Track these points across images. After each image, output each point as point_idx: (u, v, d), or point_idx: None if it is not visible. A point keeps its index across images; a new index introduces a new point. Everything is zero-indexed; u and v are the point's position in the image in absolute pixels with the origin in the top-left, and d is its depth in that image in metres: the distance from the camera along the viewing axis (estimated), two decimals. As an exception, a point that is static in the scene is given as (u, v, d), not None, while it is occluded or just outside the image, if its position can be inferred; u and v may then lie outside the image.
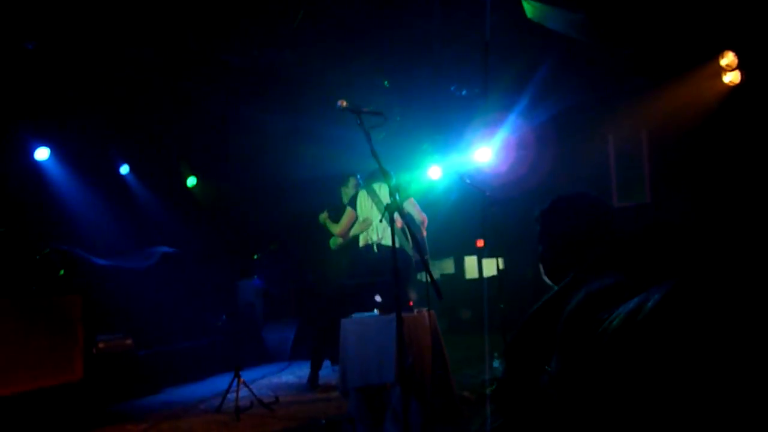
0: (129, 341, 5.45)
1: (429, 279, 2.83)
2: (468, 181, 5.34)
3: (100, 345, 5.22)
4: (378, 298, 3.89)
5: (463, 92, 6.85)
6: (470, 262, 9.32)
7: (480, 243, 9.10)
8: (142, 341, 5.72)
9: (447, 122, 7.59)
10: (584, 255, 1.55)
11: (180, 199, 7.57)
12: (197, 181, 7.79)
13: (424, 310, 3.91)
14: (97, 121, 6.18)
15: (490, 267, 8.66)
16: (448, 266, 9.43)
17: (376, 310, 3.84)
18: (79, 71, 5.32)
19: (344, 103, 3.09)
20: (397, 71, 6.49)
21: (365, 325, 3.67)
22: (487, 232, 8.04)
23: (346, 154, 6.74)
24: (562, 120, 7.07)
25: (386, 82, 6.64)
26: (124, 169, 7.07)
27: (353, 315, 3.84)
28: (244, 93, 6.41)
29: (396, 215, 5.23)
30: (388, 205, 2.89)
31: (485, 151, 7.68)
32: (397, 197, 2.89)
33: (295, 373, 5.95)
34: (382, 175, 2.92)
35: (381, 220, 2.96)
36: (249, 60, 5.73)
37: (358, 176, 5.32)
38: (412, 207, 4.82)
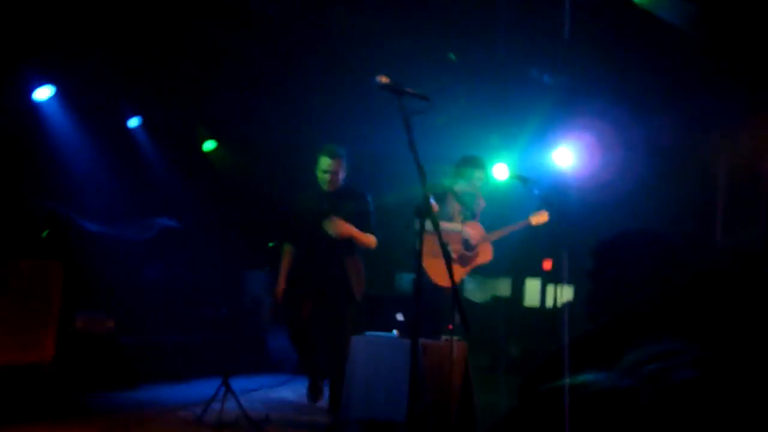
0: (111, 323, 5.71)
1: (455, 303, 2.89)
2: (535, 190, 5.37)
3: (78, 323, 5.49)
4: (400, 317, 3.96)
5: (545, 78, 6.82)
6: (532, 286, 9.26)
7: (547, 265, 9.02)
8: (126, 326, 5.98)
9: (522, 112, 7.56)
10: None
11: (193, 164, 7.81)
12: (216, 146, 8.02)
13: (454, 339, 3.97)
14: (110, 62, 6.43)
15: (558, 295, 8.60)
16: (503, 287, 9.41)
17: (395, 331, 3.92)
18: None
19: (385, 79, 3.16)
20: (467, 44, 6.51)
21: (378, 346, 3.76)
22: (559, 252, 7.98)
23: (398, 136, 6.81)
24: (664, 125, 6.94)
25: (452, 55, 6.67)
26: (134, 122, 7.35)
27: (366, 333, 3.94)
28: (282, 51, 6.57)
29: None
30: (418, 208, 2.95)
31: (566, 153, 7.62)
32: (431, 199, 2.94)
33: (297, 391, 6.09)
34: (419, 174, 2.98)
35: (407, 227, 3.02)
36: (292, 12, 5.86)
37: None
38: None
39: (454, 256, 5.64)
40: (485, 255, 5.96)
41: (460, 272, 5.70)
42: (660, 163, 7.10)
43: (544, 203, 5.55)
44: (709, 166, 6.95)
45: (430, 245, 5.49)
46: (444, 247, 2.91)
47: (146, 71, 6.70)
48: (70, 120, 6.59)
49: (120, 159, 7.04)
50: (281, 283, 4.98)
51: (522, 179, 5.52)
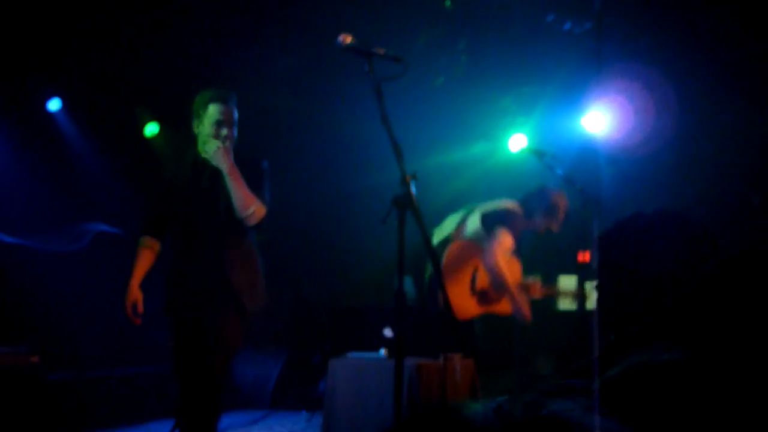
0: (35, 358, 5.72)
1: (445, 309, 2.91)
2: (558, 169, 5.41)
3: (-6, 360, 5.50)
4: (388, 333, 3.98)
5: (567, 26, 6.82)
6: (567, 284, 9.28)
7: (584, 256, 9.01)
8: (55, 360, 5.99)
9: (540, 69, 7.57)
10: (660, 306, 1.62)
11: (132, 154, 7.81)
12: (159, 130, 8.03)
13: (456, 356, 4.00)
14: (19, 33, 6.44)
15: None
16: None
17: (382, 350, 3.94)
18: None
19: (348, 39, 3.18)
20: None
21: (361, 369, 3.79)
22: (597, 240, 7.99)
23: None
24: (719, 77, 6.94)
25: (448, 2, 6.68)
26: (54, 105, 7.35)
27: (349, 353, 3.96)
28: (236, 13, 6.60)
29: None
30: (396, 197, 2.97)
31: (598, 117, 7.64)
32: (413, 188, 2.96)
33: (273, 429, 6.13)
34: (394, 153, 3.00)
35: (384, 221, 3.01)
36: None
37: None
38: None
39: (480, 285, 5.67)
40: (505, 306, 5.94)
41: (473, 309, 5.68)
42: (713, 134, 7.11)
43: (567, 183, 5.57)
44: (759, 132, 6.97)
45: (458, 256, 5.53)
46: (428, 241, 2.92)
47: (66, 40, 6.71)
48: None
49: (39, 152, 7.03)
50: (131, 294, 4.31)
51: (538, 153, 5.54)
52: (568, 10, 6.88)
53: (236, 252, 4.17)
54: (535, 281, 5.86)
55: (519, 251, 5.84)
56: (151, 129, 8.02)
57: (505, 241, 5.42)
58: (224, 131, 4.09)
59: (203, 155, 4.13)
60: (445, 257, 5.38)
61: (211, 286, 4.08)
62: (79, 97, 7.38)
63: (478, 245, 5.48)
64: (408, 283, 7.88)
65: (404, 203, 2.97)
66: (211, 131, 4.10)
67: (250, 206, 4.11)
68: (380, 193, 3.19)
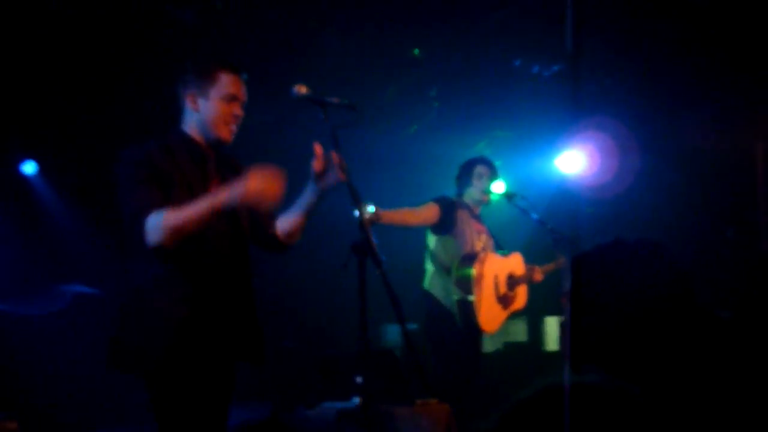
0: (13, 425, 5.64)
1: (411, 352, 2.89)
2: (533, 214, 5.43)
3: (-30, 428, 5.42)
4: (359, 380, 3.94)
5: (535, 69, 6.90)
6: (552, 326, 9.26)
7: (564, 299, 9.03)
8: (34, 425, 5.91)
9: (513, 112, 7.64)
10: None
11: (110, 214, 7.80)
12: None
13: (431, 402, 3.97)
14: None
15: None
16: (517, 330, 9.40)
17: (355, 398, 3.90)
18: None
19: (303, 90, 3.21)
20: (433, 35, 6.60)
21: (326, 423, 3.75)
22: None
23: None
24: (687, 115, 7.02)
25: (416, 51, 6.75)
26: (29, 168, 7.35)
27: (323, 404, 3.92)
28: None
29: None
30: (354, 244, 2.98)
31: (573, 158, 7.69)
32: (371, 236, 2.96)
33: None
34: (352, 199, 3.01)
35: (344, 268, 2.98)
36: (209, 15, 5.94)
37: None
38: None
39: (501, 290, 5.67)
40: (521, 299, 5.92)
41: (500, 317, 5.69)
42: (686, 167, 7.18)
43: (538, 224, 5.60)
44: (744, 165, 7.04)
45: (488, 273, 5.54)
46: (390, 288, 2.92)
47: (40, 102, 6.74)
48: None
49: (14, 215, 7.02)
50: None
51: (508, 195, 5.57)
52: (537, 54, 6.96)
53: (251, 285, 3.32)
54: (534, 266, 5.80)
55: (498, 243, 5.79)
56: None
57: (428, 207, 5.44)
58: (237, 111, 3.25)
59: (208, 138, 3.25)
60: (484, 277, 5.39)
61: (239, 325, 3.20)
62: (54, 159, 7.38)
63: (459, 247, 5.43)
64: (391, 329, 7.87)
65: (363, 250, 2.98)
66: (221, 109, 3.21)
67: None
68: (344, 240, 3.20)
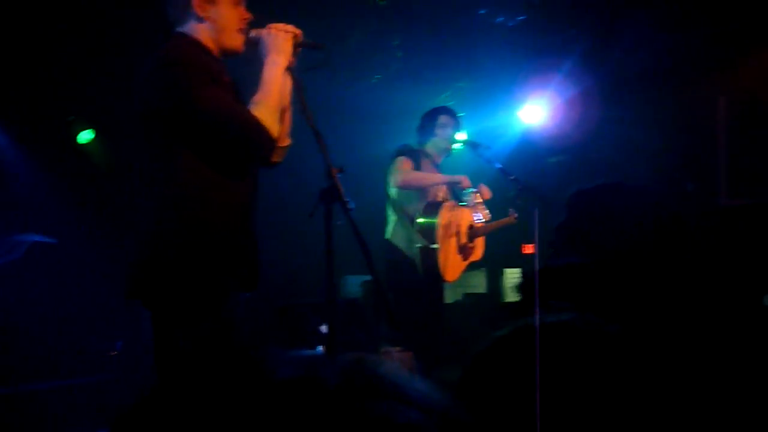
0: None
1: (380, 297, 2.87)
2: (497, 163, 5.41)
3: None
4: (324, 329, 3.94)
5: (499, 19, 6.86)
6: (512, 277, 9.33)
7: (528, 248, 9.08)
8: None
9: (477, 62, 7.60)
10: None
11: (66, 161, 7.66)
12: (95, 136, 7.88)
13: (395, 350, 3.97)
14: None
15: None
16: (476, 282, 9.46)
17: (320, 347, 3.90)
18: None
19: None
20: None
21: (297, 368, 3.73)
22: (541, 232, 8.06)
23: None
24: (649, 67, 7.03)
25: (381, -1, 6.66)
26: (-18, 114, 7.18)
27: (288, 352, 3.89)
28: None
29: None
30: (322, 191, 2.92)
31: (535, 110, 7.72)
32: (339, 182, 2.90)
33: None
34: (318, 144, 2.94)
35: (311, 215, 2.93)
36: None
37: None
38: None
39: (461, 240, 5.67)
40: (479, 251, 5.95)
41: (460, 266, 5.70)
42: (647, 119, 7.22)
43: (502, 174, 5.58)
44: (706, 110, 7.09)
45: (449, 222, 5.48)
46: (359, 235, 2.88)
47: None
48: None
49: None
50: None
51: (472, 145, 5.55)
52: (501, 3, 6.90)
53: None
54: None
55: (456, 193, 5.77)
56: (86, 136, 7.86)
57: (404, 163, 5.37)
58: (246, 14, 3.02)
59: (225, 47, 3.00)
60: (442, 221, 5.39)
61: (249, 254, 3.04)
62: (8, 107, 7.20)
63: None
64: (352, 281, 7.87)
65: (331, 197, 2.92)
66: (232, 13, 2.97)
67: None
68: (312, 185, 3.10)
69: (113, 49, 6.85)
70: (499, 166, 5.57)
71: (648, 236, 1.70)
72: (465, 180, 5.49)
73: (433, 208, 5.35)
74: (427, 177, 5.42)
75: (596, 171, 7.05)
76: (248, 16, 3.01)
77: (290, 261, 7.53)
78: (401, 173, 5.30)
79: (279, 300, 6.22)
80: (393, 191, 5.44)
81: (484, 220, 5.60)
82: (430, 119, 5.62)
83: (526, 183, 5.57)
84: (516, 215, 5.88)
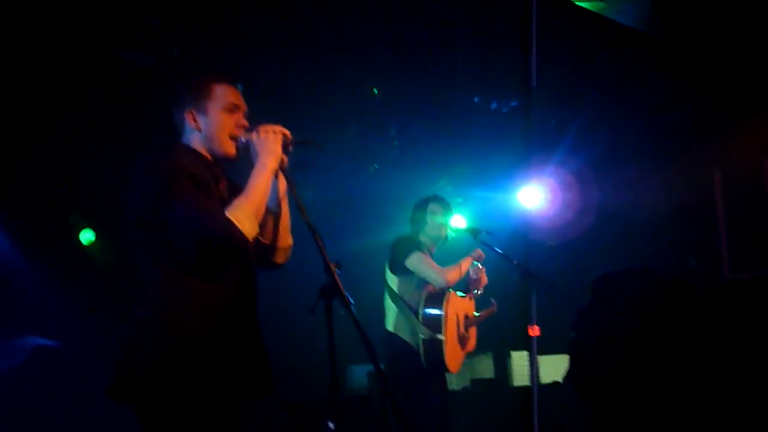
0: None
1: (388, 400, 2.82)
2: (484, 239, 5.39)
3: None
4: (332, 425, 3.85)
5: (493, 105, 6.95)
6: (519, 360, 9.23)
7: (534, 331, 9.01)
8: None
9: (474, 147, 7.67)
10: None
11: (67, 263, 7.67)
12: (95, 238, 7.90)
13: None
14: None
15: (552, 369, 8.56)
16: (483, 368, 9.36)
17: (327, 445, 3.80)
18: None
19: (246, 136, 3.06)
20: (392, 74, 6.62)
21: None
22: (546, 315, 8.01)
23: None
24: (644, 148, 7.10)
25: (375, 90, 6.76)
26: (-19, 217, 7.22)
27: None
28: (164, 106, 6.56)
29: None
30: (323, 286, 2.90)
31: (532, 192, 7.73)
32: (338, 278, 2.88)
33: None
34: (314, 241, 2.93)
35: (313, 311, 2.91)
36: (163, 59, 5.89)
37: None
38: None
39: (461, 330, 5.63)
40: (473, 340, 5.90)
41: (460, 357, 5.65)
42: (647, 199, 7.25)
43: (504, 259, 5.56)
44: (703, 186, 7.12)
45: (453, 313, 5.44)
46: (362, 331, 2.85)
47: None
48: None
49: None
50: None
51: (473, 232, 5.54)
52: (495, 90, 7.02)
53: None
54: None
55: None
56: (87, 236, 7.89)
57: (426, 258, 5.32)
58: (241, 121, 3.06)
59: (214, 154, 3.05)
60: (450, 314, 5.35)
61: (249, 359, 2.98)
62: (9, 209, 7.25)
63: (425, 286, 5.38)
64: (357, 371, 7.77)
65: (331, 293, 2.90)
66: (222, 122, 3.02)
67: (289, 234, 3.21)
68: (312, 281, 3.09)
69: (115, 150, 6.95)
70: (500, 251, 5.55)
71: (673, 320, 1.68)
72: (478, 251, 5.49)
73: (437, 298, 5.31)
74: (462, 267, 5.40)
75: (598, 253, 7.05)
76: (244, 123, 3.05)
77: (296, 356, 7.45)
78: (439, 272, 5.28)
79: (287, 396, 6.14)
80: (393, 281, 5.40)
81: (479, 291, 5.58)
82: (420, 209, 5.62)
83: (526, 267, 5.55)
84: (496, 305, 5.90)
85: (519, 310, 6.50)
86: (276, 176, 3.07)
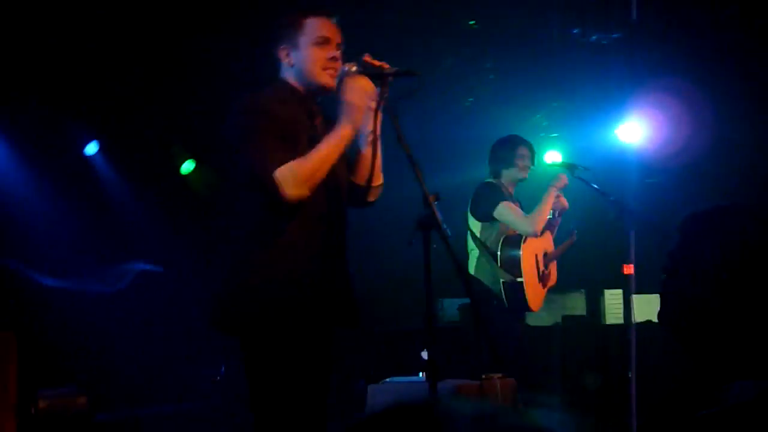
0: (83, 399, 5.74)
1: (481, 333, 2.85)
2: (581, 175, 5.31)
3: (42, 403, 5.54)
4: (425, 355, 3.93)
5: (593, 38, 6.76)
6: (612, 299, 9.14)
7: (628, 269, 8.90)
8: (102, 400, 6.02)
9: (571, 83, 7.51)
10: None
11: (170, 191, 7.89)
12: (195, 167, 8.10)
13: (495, 377, 3.92)
14: (55, 78, 6.57)
15: (645, 308, 8.45)
16: (575, 304, 9.30)
17: (421, 374, 3.89)
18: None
19: (353, 67, 3.05)
20: (488, 5, 6.50)
21: (398, 393, 3.74)
22: (639, 253, 7.90)
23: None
24: (753, 85, 6.82)
25: (473, 22, 6.66)
26: (92, 148, 7.46)
27: (387, 379, 3.91)
28: (264, 44, 6.63)
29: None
30: (419, 218, 2.92)
31: (633, 127, 7.55)
32: (436, 210, 2.89)
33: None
34: (415, 174, 2.93)
35: (410, 243, 2.94)
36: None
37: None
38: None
39: (540, 269, 5.63)
40: (554, 275, 5.90)
41: (541, 294, 5.67)
42: (754, 139, 7.00)
43: (601, 195, 5.48)
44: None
45: (530, 253, 5.48)
46: (459, 264, 2.87)
47: (101, 84, 6.82)
48: (6, 152, 6.70)
49: (78, 195, 7.12)
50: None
51: (570, 167, 5.47)
52: (595, 21, 6.81)
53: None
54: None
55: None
56: (188, 166, 8.09)
57: (513, 208, 5.31)
58: (332, 53, 3.05)
59: (310, 88, 3.07)
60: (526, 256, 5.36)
61: (337, 292, 3.10)
62: (115, 139, 7.48)
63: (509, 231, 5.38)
64: (449, 304, 7.83)
65: (429, 225, 2.91)
66: (315, 55, 3.02)
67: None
68: (407, 213, 3.12)
69: (212, 82, 7.07)
70: (597, 187, 5.47)
71: (764, 263, 1.62)
72: (562, 177, 5.43)
73: (514, 240, 5.30)
74: (545, 208, 5.35)
75: (697, 192, 6.87)
76: (335, 55, 3.05)
77: (389, 287, 7.55)
78: (527, 221, 5.26)
79: (379, 327, 6.26)
80: (475, 226, 5.40)
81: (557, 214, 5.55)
82: (509, 150, 5.52)
83: (624, 204, 5.46)
84: (575, 234, 5.84)
85: (615, 248, 6.43)
86: (374, 113, 3.06)
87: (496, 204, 5.25)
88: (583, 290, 9.13)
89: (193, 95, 7.29)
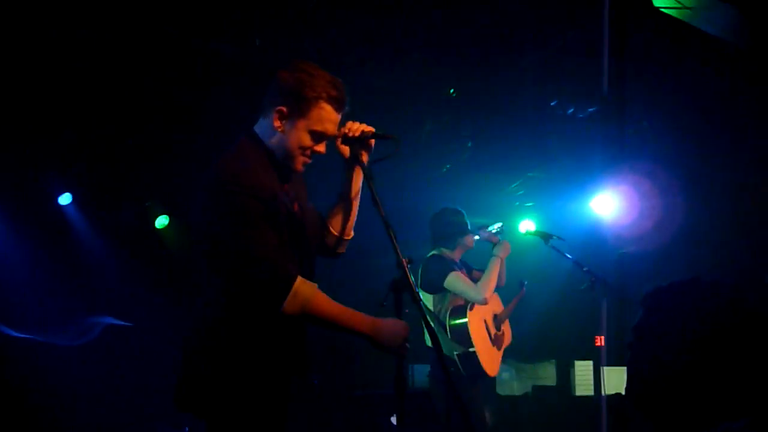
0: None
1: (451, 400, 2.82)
2: (555, 245, 5.35)
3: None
4: (394, 420, 3.88)
5: (570, 110, 6.86)
6: (583, 370, 9.13)
7: (600, 341, 8.90)
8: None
9: (548, 153, 7.59)
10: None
11: (143, 245, 7.83)
12: (169, 222, 8.05)
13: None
14: (31, 129, 6.55)
15: (616, 380, 8.43)
16: (546, 374, 9.29)
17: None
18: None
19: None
20: (469, 75, 6.59)
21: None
22: (611, 325, 7.90)
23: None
24: (725, 157, 6.92)
25: (452, 90, 6.74)
26: (65, 199, 7.40)
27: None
28: (240, 97, 6.66)
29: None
30: (394, 280, 2.90)
31: (606, 200, 7.61)
32: (409, 273, 2.87)
33: None
34: (388, 236, 2.92)
35: (383, 304, 2.92)
36: (247, 50, 5.96)
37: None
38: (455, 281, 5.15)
39: (492, 332, 5.67)
40: (509, 334, 5.92)
41: (498, 358, 5.67)
42: (725, 208, 7.07)
43: (574, 265, 5.51)
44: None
45: (479, 320, 5.51)
46: (429, 326, 2.85)
47: (77, 136, 6.80)
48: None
49: (49, 246, 7.05)
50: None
51: (544, 236, 5.51)
52: (572, 94, 6.93)
53: None
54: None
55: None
56: (162, 221, 8.05)
57: (462, 277, 5.34)
58: (320, 150, 2.97)
59: (280, 159, 2.95)
60: (474, 322, 5.36)
61: (299, 354, 3.04)
62: (89, 192, 7.44)
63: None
64: (419, 370, 7.76)
65: (401, 287, 2.91)
66: (305, 142, 2.91)
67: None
68: (381, 276, 3.12)
69: (190, 136, 7.08)
70: (570, 257, 5.50)
71: (724, 336, 1.63)
72: (507, 246, 5.54)
73: (460, 310, 5.34)
74: (492, 275, 5.38)
75: (671, 262, 6.91)
76: (321, 151, 2.98)
77: (362, 350, 7.48)
78: (475, 289, 5.31)
79: (351, 390, 6.18)
80: (427, 299, 5.41)
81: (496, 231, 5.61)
82: (457, 220, 5.60)
83: (597, 275, 5.48)
84: (524, 287, 5.93)
85: (587, 319, 6.43)
86: (355, 171, 3.11)
87: (446, 275, 5.30)
88: (554, 360, 9.13)
89: (170, 150, 7.28)
